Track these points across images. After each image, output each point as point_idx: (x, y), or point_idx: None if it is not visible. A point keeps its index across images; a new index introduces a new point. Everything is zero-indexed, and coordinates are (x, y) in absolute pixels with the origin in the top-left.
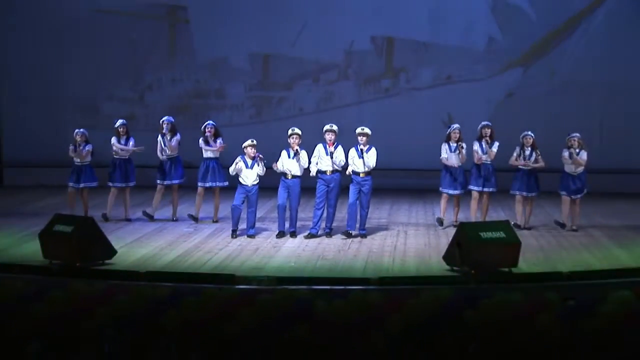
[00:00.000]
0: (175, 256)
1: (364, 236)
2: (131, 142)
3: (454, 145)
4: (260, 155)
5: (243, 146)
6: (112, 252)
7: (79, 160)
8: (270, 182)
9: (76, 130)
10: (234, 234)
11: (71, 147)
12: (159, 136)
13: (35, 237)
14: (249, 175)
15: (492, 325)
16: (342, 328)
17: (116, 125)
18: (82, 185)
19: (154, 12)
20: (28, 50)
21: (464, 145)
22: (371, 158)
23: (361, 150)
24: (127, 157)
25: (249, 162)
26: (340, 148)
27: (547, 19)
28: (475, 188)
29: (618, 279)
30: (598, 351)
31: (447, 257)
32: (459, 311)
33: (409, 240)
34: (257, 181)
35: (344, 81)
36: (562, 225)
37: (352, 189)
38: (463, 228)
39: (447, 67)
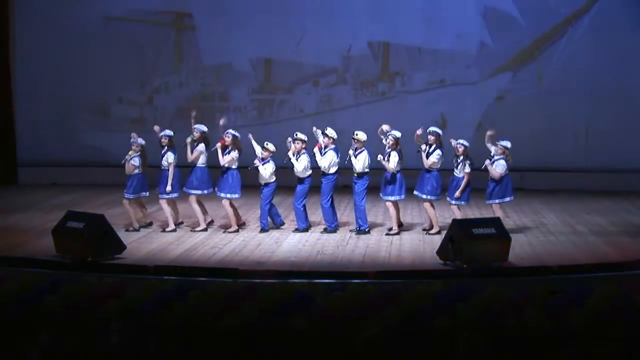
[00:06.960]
0: (181, 251)
1: (364, 232)
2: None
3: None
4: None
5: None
6: (122, 247)
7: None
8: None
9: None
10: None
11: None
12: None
13: (49, 233)
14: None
15: (483, 317)
16: (340, 319)
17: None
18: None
19: (162, 20)
20: (43, 54)
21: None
22: (360, 161)
23: (349, 155)
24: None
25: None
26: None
27: (535, 26)
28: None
29: (604, 273)
30: (585, 341)
31: (441, 252)
32: (451, 304)
33: (404, 236)
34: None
35: (342, 85)
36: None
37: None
38: (456, 224)
39: (440, 71)
